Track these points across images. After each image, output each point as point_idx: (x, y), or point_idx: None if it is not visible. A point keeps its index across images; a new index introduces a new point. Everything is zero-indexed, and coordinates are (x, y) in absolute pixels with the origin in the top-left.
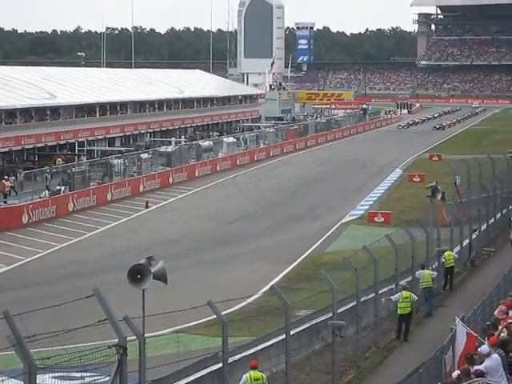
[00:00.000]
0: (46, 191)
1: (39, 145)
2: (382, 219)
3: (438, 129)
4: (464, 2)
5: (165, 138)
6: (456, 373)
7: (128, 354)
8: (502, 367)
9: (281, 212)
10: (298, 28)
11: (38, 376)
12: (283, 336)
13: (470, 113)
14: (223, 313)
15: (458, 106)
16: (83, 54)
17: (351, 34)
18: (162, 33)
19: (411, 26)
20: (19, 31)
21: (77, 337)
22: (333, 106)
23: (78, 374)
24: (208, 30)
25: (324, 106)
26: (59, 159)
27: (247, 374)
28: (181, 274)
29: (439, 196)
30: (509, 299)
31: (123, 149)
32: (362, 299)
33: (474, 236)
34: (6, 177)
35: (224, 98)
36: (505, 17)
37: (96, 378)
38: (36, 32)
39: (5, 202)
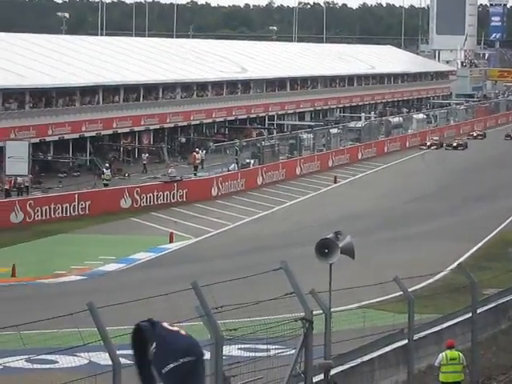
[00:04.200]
0: (234, 164)
1: (230, 118)
2: None
3: None
4: None
5: (354, 113)
6: None
7: (313, 328)
8: None
9: (467, 191)
10: (491, 5)
11: (224, 347)
12: (469, 314)
13: None
14: (409, 289)
15: None
16: (275, 28)
17: None
18: (354, 8)
19: None
20: (212, 5)
21: (263, 309)
22: None
23: (264, 347)
24: (400, 6)
25: None
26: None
27: (443, 354)
28: (367, 249)
29: None
30: None
31: (313, 123)
32: None
33: None
34: (197, 149)
35: (415, 74)
36: None
37: (281, 350)
38: (229, 6)
39: (195, 174)
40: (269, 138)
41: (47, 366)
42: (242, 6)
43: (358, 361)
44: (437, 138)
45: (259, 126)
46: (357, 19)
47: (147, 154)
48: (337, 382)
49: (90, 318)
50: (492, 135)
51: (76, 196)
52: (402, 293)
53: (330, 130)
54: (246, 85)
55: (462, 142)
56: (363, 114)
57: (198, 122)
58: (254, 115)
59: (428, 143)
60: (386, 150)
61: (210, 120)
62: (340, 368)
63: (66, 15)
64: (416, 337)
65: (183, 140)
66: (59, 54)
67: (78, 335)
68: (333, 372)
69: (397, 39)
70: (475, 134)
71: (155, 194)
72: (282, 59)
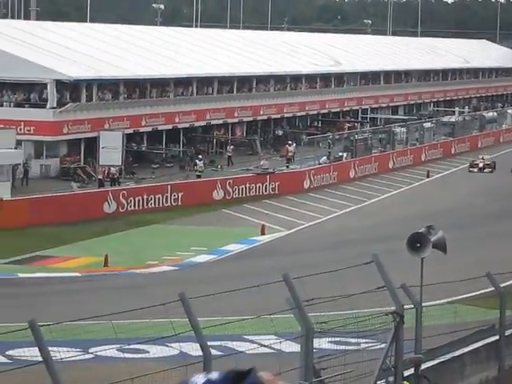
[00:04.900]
0: (325, 157)
1: (323, 111)
2: None
3: None
4: None
5: (448, 107)
6: None
7: (404, 322)
8: None
9: None
10: None
11: (314, 340)
12: None
13: None
14: (501, 285)
15: None
16: (369, 21)
17: None
18: (450, 2)
19: None
20: None
21: (354, 302)
22: None
23: (354, 340)
24: (496, 0)
25: None
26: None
27: None
28: (458, 244)
29: None
30: None
31: (406, 117)
32: None
33: None
34: (290, 142)
35: (509, 69)
36: None
37: (371, 344)
38: None
39: (287, 166)
40: (361, 132)
41: (138, 356)
42: None
43: (449, 356)
44: (488, 157)
45: (352, 120)
46: (452, 13)
47: (232, 146)
48: (427, 377)
49: (182, 309)
50: None
51: (169, 187)
52: (493, 288)
53: (424, 124)
54: (340, 78)
55: None
56: (457, 108)
57: (291, 114)
58: (347, 108)
59: (480, 164)
60: (479, 145)
61: (303, 113)
62: (430, 363)
63: (162, 7)
64: (507, 333)
65: (280, 133)
66: (154, 45)
67: (170, 325)
68: (423, 367)
69: (492, 34)
70: None
71: (247, 186)
72: (375, 52)
